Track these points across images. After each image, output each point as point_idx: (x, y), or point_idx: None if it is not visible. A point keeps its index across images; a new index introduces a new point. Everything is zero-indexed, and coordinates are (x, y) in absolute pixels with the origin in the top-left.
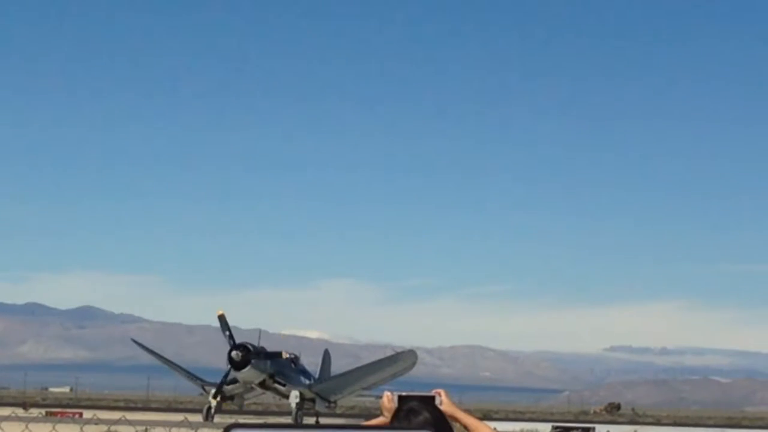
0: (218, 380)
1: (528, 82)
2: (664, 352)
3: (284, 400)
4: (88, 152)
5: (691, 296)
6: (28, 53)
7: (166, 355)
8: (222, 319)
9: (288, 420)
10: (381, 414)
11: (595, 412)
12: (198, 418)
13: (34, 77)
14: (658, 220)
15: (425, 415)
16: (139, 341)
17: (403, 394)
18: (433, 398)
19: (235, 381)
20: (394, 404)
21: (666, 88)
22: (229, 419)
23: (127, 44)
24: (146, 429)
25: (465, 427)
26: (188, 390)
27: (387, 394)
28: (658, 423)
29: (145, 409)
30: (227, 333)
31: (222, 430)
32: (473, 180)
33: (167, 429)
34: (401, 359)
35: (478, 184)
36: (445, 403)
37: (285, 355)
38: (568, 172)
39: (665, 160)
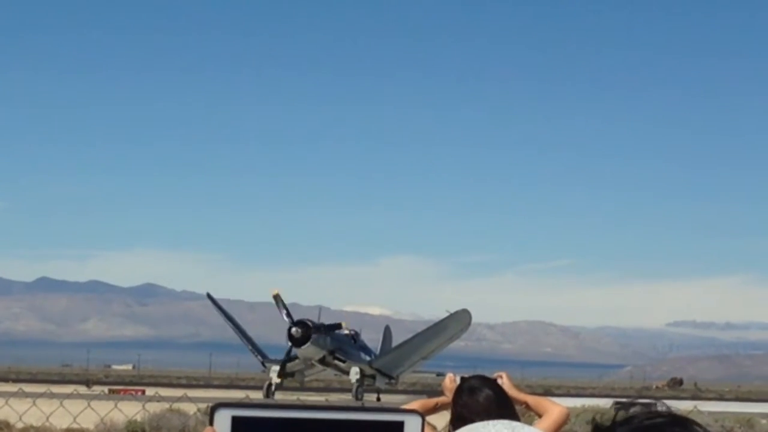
0: (279, 357)
1: (601, 55)
2: (728, 326)
3: (345, 377)
4: (149, 129)
5: (756, 270)
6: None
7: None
8: (277, 298)
9: (348, 396)
10: (442, 393)
11: (657, 388)
12: (259, 395)
13: (100, 55)
14: (722, 193)
15: (486, 392)
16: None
17: (465, 376)
18: (494, 381)
19: (295, 357)
20: (456, 384)
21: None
22: (291, 396)
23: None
24: (207, 406)
25: (528, 406)
26: (250, 367)
27: (450, 375)
28: (720, 398)
29: (207, 386)
30: (285, 312)
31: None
32: (533, 156)
33: None
34: (455, 320)
35: (537, 159)
36: (506, 386)
37: (344, 325)
38: (629, 148)
39: (725, 135)
